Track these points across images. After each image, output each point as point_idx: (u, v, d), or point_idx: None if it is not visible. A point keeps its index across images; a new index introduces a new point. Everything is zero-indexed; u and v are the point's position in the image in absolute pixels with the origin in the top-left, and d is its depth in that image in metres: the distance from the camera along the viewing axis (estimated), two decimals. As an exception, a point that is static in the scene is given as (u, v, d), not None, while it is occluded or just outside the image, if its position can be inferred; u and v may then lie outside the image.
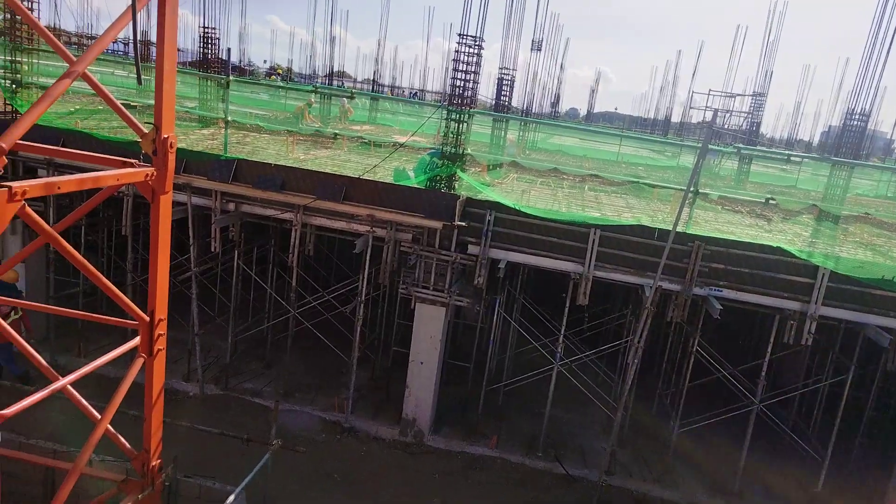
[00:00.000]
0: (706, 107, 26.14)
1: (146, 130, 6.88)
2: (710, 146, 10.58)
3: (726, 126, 24.33)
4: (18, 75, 13.31)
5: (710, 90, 34.11)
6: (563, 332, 11.42)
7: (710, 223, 12.49)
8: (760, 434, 12.34)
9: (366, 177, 11.11)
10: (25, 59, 13.33)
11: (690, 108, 30.24)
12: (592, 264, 10.74)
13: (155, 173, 6.76)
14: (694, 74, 63.27)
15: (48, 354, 12.92)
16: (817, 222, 14.01)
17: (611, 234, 10.68)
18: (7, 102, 13.43)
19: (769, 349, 10.82)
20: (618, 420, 10.80)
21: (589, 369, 13.59)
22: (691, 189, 10.25)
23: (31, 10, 12.40)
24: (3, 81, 13.25)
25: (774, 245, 10.37)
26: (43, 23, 12.67)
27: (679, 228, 9.92)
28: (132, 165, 6.88)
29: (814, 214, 14.39)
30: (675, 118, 34.60)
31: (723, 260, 10.46)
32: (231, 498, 8.24)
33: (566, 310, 11.24)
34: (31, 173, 12.28)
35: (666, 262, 10.06)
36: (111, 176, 6.37)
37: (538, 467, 11.28)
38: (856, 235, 13.13)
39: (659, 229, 10.61)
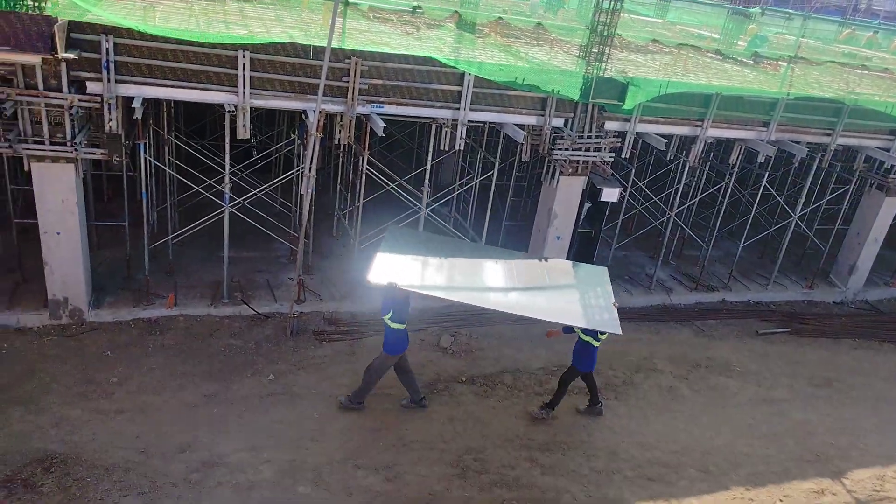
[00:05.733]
0: None
1: None
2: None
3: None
4: None
5: None
6: (227, 170, 10.39)
7: (364, 34, 12.09)
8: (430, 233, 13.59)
9: None
10: None
11: None
12: (247, 93, 9.61)
13: None
14: None
15: None
16: (459, 27, 14.69)
17: (263, 55, 9.55)
18: None
19: (429, 157, 11.48)
20: (300, 249, 10.68)
21: (265, 203, 13.00)
22: (341, -2, 9.53)
23: None
24: None
25: (426, 55, 10.49)
26: None
27: (334, 43, 9.28)
28: None
29: (455, 21, 15.02)
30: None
31: (380, 75, 10.29)
32: None
33: (227, 145, 10.14)
34: None
35: (326, 83, 9.49)
36: None
37: (226, 314, 10.78)
38: (492, 38, 14.16)
39: (314, 46, 9.82)
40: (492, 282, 9.35)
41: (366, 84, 10.22)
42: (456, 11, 14.71)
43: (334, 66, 9.78)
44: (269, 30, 11.11)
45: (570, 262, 10.58)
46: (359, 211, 11.81)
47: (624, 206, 13.35)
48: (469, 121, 11.09)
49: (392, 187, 11.81)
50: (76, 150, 9.04)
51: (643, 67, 13.88)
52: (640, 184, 13.94)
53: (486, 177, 12.56)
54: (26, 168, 9.14)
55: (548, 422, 9.31)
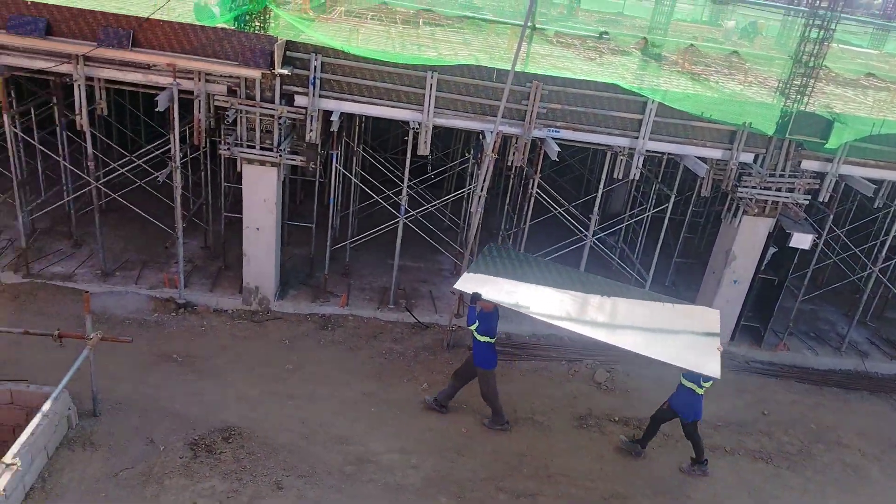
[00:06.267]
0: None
1: None
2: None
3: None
4: None
5: None
6: (406, 183, 10.98)
7: (546, 59, 12.19)
8: (595, 263, 13.32)
9: (159, 15, 9.18)
10: None
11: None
12: (432, 111, 10.11)
13: None
14: None
15: None
16: (644, 53, 14.29)
17: (449, 76, 10.00)
18: None
19: (601, 184, 11.24)
20: (465, 265, 10.94)
21: (435, 217, 13.54)
22: (528, 24, 9.69)
23: None
24: None
25: (608, 82, 10.33)
26: None
27: (517, 67, 9.47)
28: None
29: (641, 47, 14.63)
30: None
31: (560, 99, 10.30)
32: (48, 403, 7.36)
33: (407, 161, 10.71)
34: None
35: (505, 105, 9.70)
36: None
37: (390, 319, 11.35)
38: (679, 66, 13.58)
39: (497, 69, 10.09)
40: (587, 308, 8.96)
41: (544, 108, 10.29)
42: (644, 38, 14.32)
43: (515, 90, 9.97)
44: (456, 52, 11.62)
45: (678, 302, 9.96)
46: (524, 233, 11.87)
47: (817, 255, 12.06)
48: (647, 150, 10.72)
49: (559, 212, 11.73)
50: (280, 155, 10.08)
51: (853, 103, 12.52)
52: (839, 231, 12.52)
53: (659, 209, 12.02)
54: (238, 168, 10.37)
55: (706, 480, 8.62)
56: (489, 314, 8.63)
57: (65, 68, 9.39)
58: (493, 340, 8.74)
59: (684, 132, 10.63)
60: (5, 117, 10.06)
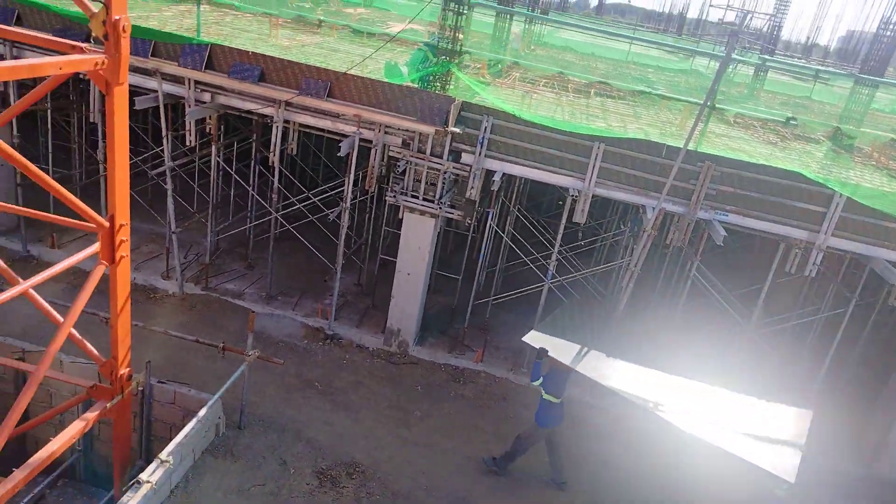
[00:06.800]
0: (727, 5, 24.38)
1: (95, 9, 5.90)
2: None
3: (746, 28, 22.78)
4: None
5: (732, -13, 31.59)
6: (556, 248, 10.92)
7: (721, 139, 11.68)
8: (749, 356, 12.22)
9: (354, 71, 10.10)
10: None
11: (710, 4, 28.25)
12: (594, 181, 10.04)
13: (106, 61, 5.91)
14: (716, -32, 58.93)
15: (20, 244, 12.41)
16: (834, 143, 13.22)
17: (615, 148, 9.91)
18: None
19: (769, 277, 10.40)
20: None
21: (580, 285, 13.26)
22: (707, 104, 9.39)
23: None
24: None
25: (790, 169, 9.66)
26: None
27: (689, 146, 9.16)
28: (81, 50, 6.00)
29: (829, 136, 13.57)
30: (692, 13, 32.44)
31: (732, 182, 9.79)
32: (204, 409, 8.04)
33: (561, 226, 10.67)
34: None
35: (672, 183, 9.40)
36: (52, 64, 5.53)
37: (522, 383, 11.15)
38: (874, 160, 12.38)
39: (667, 146, 9.84)
40: (666, 386, 8.27)
41: (714, 189, 9.83)
42: (836, 126, 13.28)
43: (684, 168, 9.63)
44: (625, 125, 11.52)
45: (768, 392, 8.89)
46: (678, 314, 11.22)
47: None
48: (828, 247, 9.79)
49: (718, 299, 10.98)
50: (440, 207, 10.50)
51: None
52: None
53: (835, 313, 10.85)
54: (400, 216, 10.93)
55: None
56: (559, 373, 8.35)
57: (268, 111, 10.58)
58: (557, 401, 8.43)
59: (875, 232, 9.61)
60: (213, 148, 11.50)
